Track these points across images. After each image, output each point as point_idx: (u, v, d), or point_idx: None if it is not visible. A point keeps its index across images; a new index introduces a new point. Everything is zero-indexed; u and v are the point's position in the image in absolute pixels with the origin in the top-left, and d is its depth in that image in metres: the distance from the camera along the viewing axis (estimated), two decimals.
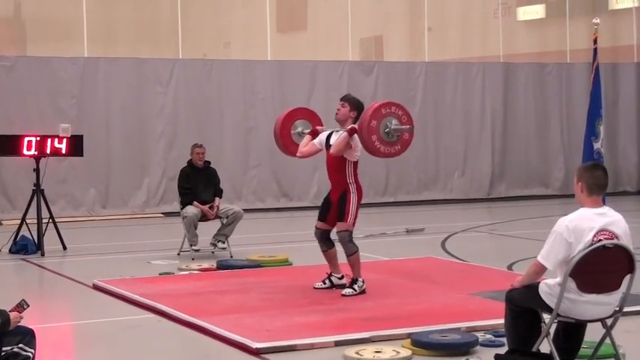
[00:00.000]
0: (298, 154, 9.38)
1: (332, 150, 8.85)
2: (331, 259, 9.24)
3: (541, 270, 5.90)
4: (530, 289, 5.95)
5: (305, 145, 9.28)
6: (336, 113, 9.10)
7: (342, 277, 9.20)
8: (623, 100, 20.05)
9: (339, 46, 18.72)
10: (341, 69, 18.14)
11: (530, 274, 5.99)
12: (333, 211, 8.97)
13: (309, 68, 17.81)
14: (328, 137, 9.11)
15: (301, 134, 9.55)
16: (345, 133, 8.77)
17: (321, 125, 9.60)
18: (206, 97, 17.14)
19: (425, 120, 18.57)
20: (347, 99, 9.13)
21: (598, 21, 10.70)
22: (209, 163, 12.04)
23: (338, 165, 8.96)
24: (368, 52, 19.87)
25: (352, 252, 8.89)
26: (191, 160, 11.95)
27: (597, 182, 5.94)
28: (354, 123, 8.92)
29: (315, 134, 9.29)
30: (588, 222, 5.80)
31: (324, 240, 9.18)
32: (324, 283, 9.20)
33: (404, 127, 8.81)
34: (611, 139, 19.08)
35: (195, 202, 11.53)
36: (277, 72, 17.63)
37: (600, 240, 5.76)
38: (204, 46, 18.51)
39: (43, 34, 17.52)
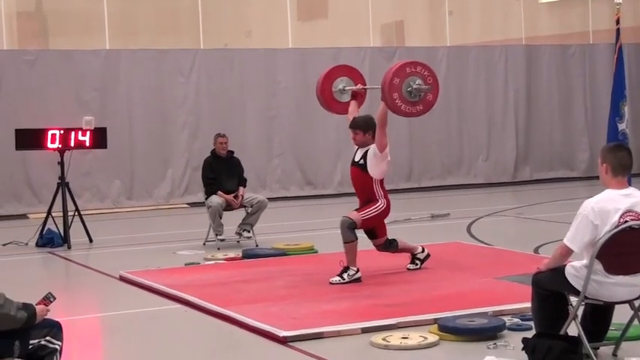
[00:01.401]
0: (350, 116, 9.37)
1: (379, 116, 8.81)
2: (405, 247, 9.42)
3: (567, 253, 5.88)
4: (557, 272, 5.93)
5: (352, 112, 9.37)
6: (354, 141, 9.09)
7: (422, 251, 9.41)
8: None
9: (360, 33, 18.67)
10: (363, 55, 18.10)
11: (556, 256, 5.98)
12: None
13: (330, 55, 17.75)
14: (354, 155, 9.11)
15: (343, 91, 9.58)
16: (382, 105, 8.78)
17: (363, 81, 9.72)
18: (228, 87, 17.17)
19: (448, 105, 18.53)
20: (357, 126, 9.05)
21: (620, 1, 10.64)
22: (232, 152, 12.06)
23: (365, 183, 8.97)
24: (389, 38, 19.81)
25: (348, 240, 8.89)
26: (214, 150, 11.97)
27: (622, 163, 5.91)
28: (373, 139, 8.92)
29: (355, 96, 9.46)
30: (614, 203, 5.77)
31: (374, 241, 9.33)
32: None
33: (425, 86, 8.70)
34: (637, 120, 18.95)
35: (219, 192, 11.57)
36: (299, 60, 17.63)
37: (627, 221, 5.74)
38: (225, 36, 18.52)
39: (64, 27, 17.58)
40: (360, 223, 8.92)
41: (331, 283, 8.83)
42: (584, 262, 5.82)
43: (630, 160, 6.01)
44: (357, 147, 9.11)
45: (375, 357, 6.46)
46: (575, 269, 5.86)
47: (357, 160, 9.05)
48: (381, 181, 9.06)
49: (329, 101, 9.75)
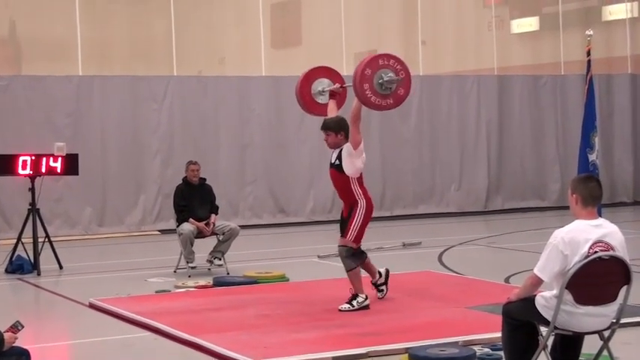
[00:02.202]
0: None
1: (352, 115, 8.80)
2: (367, 268, 9.27)
3: (537, 282, 5.89)
4: (527, 302, 5.94)
5: (330, 112, 9.28)
6: (326, 143, 9.08)
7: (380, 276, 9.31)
8: (618, 111, 20.06)
9: (333, 61, 18.70)
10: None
11: (526, 286, 5.99)
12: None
13: None
14: (330, 157, 9.07)
15: (322, 93, 9.55)
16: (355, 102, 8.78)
17: (342, 81, 9.67)
18: (201, 114, 17.13)
19: (420, 133, 18.62)
20: (327, 127, 9.03)
21: (591, 33, 10.75)
22: (204, 179, 12.02)
23: (343, 183, 8.95)
24: None
25: (350, 268, 8.87)
26: (186, 177, 11.94)
27: (592, 194, 5.94)
28: (347, 139, 8.93)
29: (334, 96, 9.37)
30: (584, 234, 5.79)
31: None
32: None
33: (396, 78, 8.63)
34: (607, 151, 19.12)
35: (191, 220, 11.52)
36: (272, 87, 17.63)
37: (596, 252, 5.75)
38: (199, 63, 18.53)
39: (37, 53, 17.53)
40: (354, 243, 8.89)
41: (340, 310, 8.77)
42: (554, 292, 5.83)
43: (600, 191, 6.05)
44: (331, 149, 9.08)
45: None
46: (545, 299, 5.88)
47: (332, 161, 9.02)
48: (360, 180, 8.98)
49: (308, 103, 9.73)
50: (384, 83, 8.64)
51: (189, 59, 18.02)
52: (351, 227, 8.86)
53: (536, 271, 5.84)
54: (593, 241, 5.77)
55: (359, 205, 8.90)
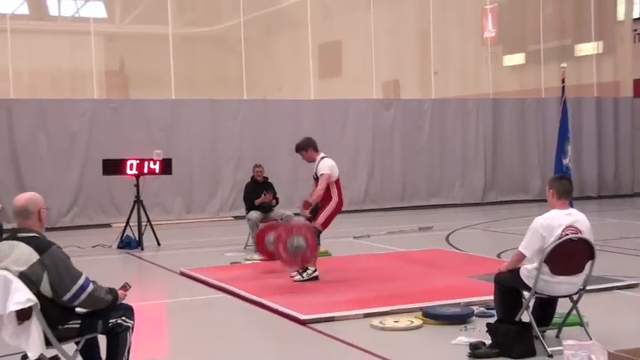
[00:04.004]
0: (317, 199, 8.64)
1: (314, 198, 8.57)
2: None
3: (522, 257, 5.87)
4: (514, 273, 5.92)
5: (317, 193, 8.65)
6: (305, 159, 8.99)
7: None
8: (586, 126, 19.76)
9: (365, 88, 18.71)
10: (368, 105, 18.13)
11: (513, 261, 5.97)
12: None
13: (343, 105, 17.82)
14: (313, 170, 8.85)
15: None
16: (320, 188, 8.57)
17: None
18: (265, 128, 17.12)
19: (432, 143, 18.51)
20: (298, 149, 8.95)
21: (565, 65, 10.67)
22: (267, 178, 12.07)
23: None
24: (388, 92, 19.81)
25: None
26: (253, 176, 12.00)
27: (564, 189, 5.92)
28: (317, 151, 8.83)
29: (307, 206, 8.65)
30: (558, 220, 5.78)
31: None
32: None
33: (303, 245, 8.37)
34: (577, 157, 18.84)
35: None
36: (319, 109, 17.63)
37: (567, 234, 5.73)
38: (263, 89, 18.57)
39: (141, 82, 17.67)
40: (321, 227, 8.67)
41: (291, 277, 8.68)
42: (535, 265, 5.81)
43: (571, 187, 6.03)
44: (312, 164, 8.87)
45: (373, 336, 6.45)
46: (527, 271, 5.86)
47: (313, 174, 8.88)
48: (337, 183, 8.76)
49: (267, 254, 9.38)
50: (293, 247, 8.37)
51: (255, 87, 18.08)
52: (322, 214, 8.65)
53: (520, 248, 5.83)
54: (565, 226, 5.75)
55: (332, 200, 8.69)
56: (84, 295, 4.72)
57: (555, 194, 5.90)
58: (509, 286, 5.95)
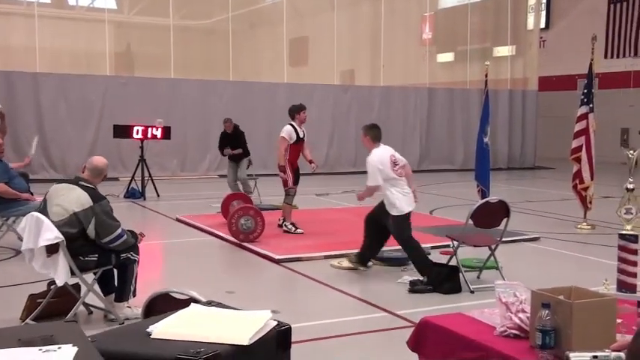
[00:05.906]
0: (284, 163, 8.17)
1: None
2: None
3: (374, 189, 6.10)
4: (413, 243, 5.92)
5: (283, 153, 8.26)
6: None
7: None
8: (501, 112, 19.91)
9: (327, 75, 18.57)
10: (329, 89, 18.01)
11: (370, 191, 6.16)
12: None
13: (309, 89, 17.67)
14: (297, 133, 8.43)
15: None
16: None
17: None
18: (246, 104, 16.95)
19: (379, 122, 17.76)
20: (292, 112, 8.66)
21: (488, 63, 10.63)
22: (238, 126, 11.16)
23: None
24: (345, 79, 19.68)
25: (288, 202, 8.46)
26: (224, 129, 11.28)
27: (376, 135, 6.34)
28: (294, 119, 8.54)
29: (283, 170, 8.17)
30: (384, 153, 6.20)
31: None
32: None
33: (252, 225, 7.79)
34: (493, 136, 18.80)
35: (225, 150, 10.84)
36: (290, 91, 17.44)
37: (395, 161, 6.15)
38: (245, 73, 18.28)
39: (144, 63, 17.29)
40: (293, 186, 8.32)
41: (284, 230, 8.34)
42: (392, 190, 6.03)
43: (380, 133, 6.38)
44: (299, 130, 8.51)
45: (332, 273, 6.47)
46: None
47: (301, 137, 8.60)
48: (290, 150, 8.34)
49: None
50: (245, 224, 7.76)
51: (239, 71, 17.80)
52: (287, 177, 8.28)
53: (369, 183, 6.09)
54: (390, 154, 6.19)
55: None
56: (119, 242, 4.81)
57: (371, 139, 6.27)
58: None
